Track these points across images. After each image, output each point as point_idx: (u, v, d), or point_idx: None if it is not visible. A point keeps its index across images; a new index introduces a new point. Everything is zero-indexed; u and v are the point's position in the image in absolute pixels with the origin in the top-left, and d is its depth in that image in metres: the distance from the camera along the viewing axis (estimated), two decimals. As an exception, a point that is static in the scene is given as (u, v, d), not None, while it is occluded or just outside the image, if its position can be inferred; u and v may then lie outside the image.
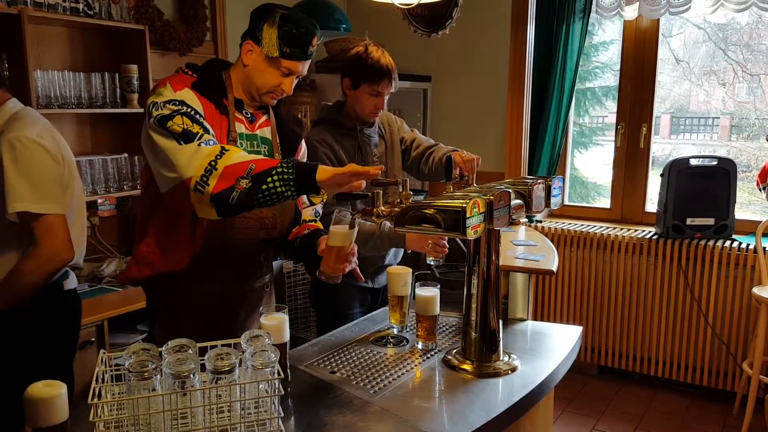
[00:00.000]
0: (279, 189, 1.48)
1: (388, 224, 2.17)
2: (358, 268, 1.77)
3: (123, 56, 3.01)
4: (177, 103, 1.60)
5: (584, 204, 4.18)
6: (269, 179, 1.48)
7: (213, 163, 1.49)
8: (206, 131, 1.58)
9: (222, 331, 1.52)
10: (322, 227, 1.93)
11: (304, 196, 1.94)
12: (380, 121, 2.39)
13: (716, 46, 3.78)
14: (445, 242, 2.10)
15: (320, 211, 2.00)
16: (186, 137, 1.53)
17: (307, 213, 1.96)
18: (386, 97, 2.27)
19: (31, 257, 1.78)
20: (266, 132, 1.83)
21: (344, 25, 3.63)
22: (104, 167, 2.94)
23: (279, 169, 1.48)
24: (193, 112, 1.60)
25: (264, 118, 1.84)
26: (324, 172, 1.49)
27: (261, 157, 1.55)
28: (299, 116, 3.40)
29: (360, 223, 2.18)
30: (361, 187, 1.52)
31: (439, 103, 4.21)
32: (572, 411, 3.42)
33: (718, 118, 3.91)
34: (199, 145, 1.52)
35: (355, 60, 2.22)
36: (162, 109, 1.58)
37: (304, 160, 2.00)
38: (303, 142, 2.00)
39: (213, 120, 1.68)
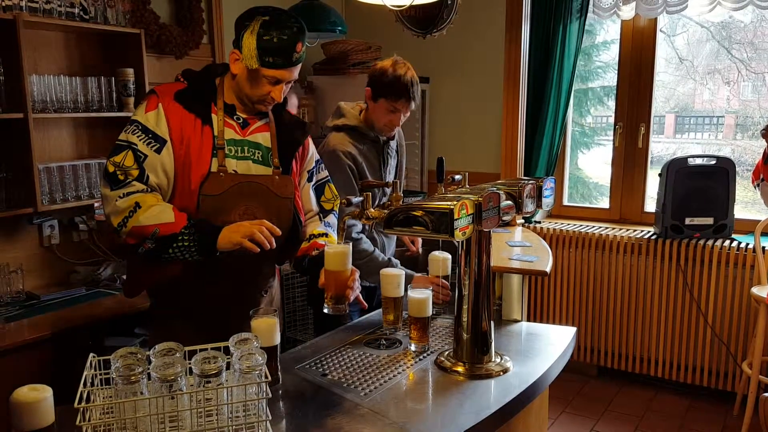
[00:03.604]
0: (181, 257, 1.62)
1: (381, 256, 2.20)
2: (360, 295, 1.76)
3: (119, 60, 3.01)
4: (138, 129, 1.67)
5: (583, 204, 4.17)
6: (171, 250, 1.61)
7: (125, 220, 1.61)
8: (140, 175, 1.65)
9: (223, 336, 1.51)
10: (334, 242, 1.87)
11: (313, 202, 1.93)
12: None
13: (720, 44, 3.76)
14: (448, 286, 2.06)
15: (331, 222, 1.96)
16: (112, 181, 1.64)
17: (317, 228, 1.92)
18: (403, 116, 2.27)
19: None
20: (260, 137, 1.80)
21: (340, 27, 3.63)
22: (101, 171, 2.94)
23: (179, 242, 1.60)
24: (143, 145, 1.65)
25: (260, 123, 1.82)
26: (225, 237, 1.60)
27: (167, 219, 1.61)
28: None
29: (360, 243, 2.18)
30: (255, 250, 1.59)
31: (438, 103, 4.21)
32: (571, 412, 3.41)
33: (723, 116, 3.89)
34: (120, 196, 1.62)
35: (379, 73, 2.24)
36: (124, 133, 1.68)
37: (312, 162, 1.96)
38: (310, 144, 1.96)
39: (189, 131, 1.69)
